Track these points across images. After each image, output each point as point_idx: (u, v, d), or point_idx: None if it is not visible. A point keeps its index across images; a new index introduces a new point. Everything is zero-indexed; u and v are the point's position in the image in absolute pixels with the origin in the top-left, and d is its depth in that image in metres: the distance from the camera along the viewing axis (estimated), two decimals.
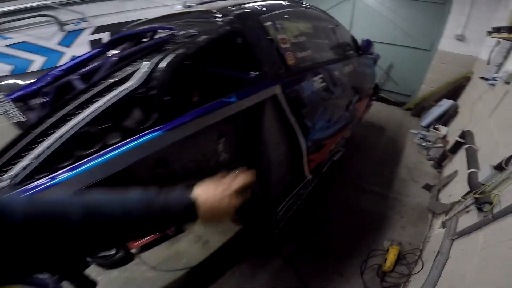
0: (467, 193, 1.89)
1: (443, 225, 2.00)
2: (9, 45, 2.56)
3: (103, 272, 1.84)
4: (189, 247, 2.08)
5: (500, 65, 2.97)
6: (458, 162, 2.69)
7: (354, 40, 2.59)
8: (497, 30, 2.52)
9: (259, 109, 1.28)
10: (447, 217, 1.99)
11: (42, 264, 0.42)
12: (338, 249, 2.10)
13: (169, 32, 1.12)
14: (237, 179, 0.69)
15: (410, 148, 3.72)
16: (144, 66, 0.86)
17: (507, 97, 2.31)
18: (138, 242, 1.96)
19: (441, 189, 2.66)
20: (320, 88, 1.74)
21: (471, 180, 1.81)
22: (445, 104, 4.20)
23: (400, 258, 1.98)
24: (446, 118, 4.06)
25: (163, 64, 0.87)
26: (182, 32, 1.07)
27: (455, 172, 2.58)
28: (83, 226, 0.44)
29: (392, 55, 5.09)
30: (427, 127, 4.21)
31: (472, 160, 2.10)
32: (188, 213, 0.60)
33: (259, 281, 1.84)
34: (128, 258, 1.90)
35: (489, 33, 2.86)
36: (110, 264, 1.85)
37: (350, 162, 3.18)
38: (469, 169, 1.97)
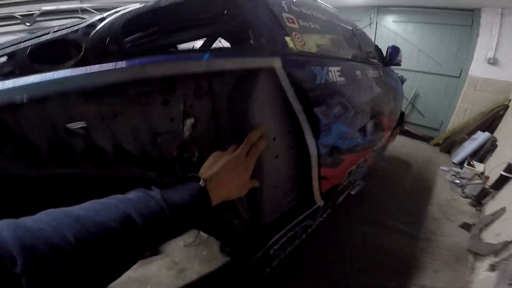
0: None
1: (493, 268, 1.54)
2: None
3: None
4: (160, 273, 1.69)
5: None
6: (505, 199, 2.25)
7: (378, 49, 2.30)
8: None
9: (247, 87, 0.92)
10: (498, 259, 1.53)
11: None
12: None
13: None
14: (251, 157, 0.67)
15: (442, 185, 3.18)
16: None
17: None
18: None
19: (484, 229, 2.16)
20: (337, 82, 1.34)
21: None
22: (480, 137, 3.72)
23: None
24: (482, 154, 3.55)
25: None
26: None
27: (503, 210, 2.11)
28: (82, 249, 0.36)
29: (417, 83, 4.75)
30: (460, 164, 3.66)
31: None
32: (198, 203, 0.55)
33: None
34: None
35: None
36: None
37: (370, 196, 2.68)
38: None
